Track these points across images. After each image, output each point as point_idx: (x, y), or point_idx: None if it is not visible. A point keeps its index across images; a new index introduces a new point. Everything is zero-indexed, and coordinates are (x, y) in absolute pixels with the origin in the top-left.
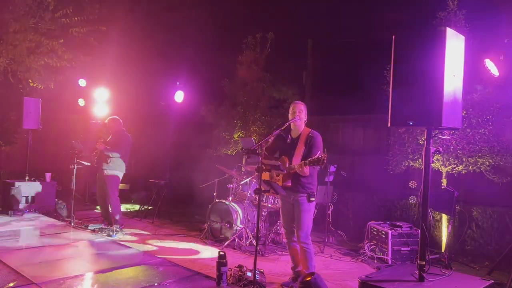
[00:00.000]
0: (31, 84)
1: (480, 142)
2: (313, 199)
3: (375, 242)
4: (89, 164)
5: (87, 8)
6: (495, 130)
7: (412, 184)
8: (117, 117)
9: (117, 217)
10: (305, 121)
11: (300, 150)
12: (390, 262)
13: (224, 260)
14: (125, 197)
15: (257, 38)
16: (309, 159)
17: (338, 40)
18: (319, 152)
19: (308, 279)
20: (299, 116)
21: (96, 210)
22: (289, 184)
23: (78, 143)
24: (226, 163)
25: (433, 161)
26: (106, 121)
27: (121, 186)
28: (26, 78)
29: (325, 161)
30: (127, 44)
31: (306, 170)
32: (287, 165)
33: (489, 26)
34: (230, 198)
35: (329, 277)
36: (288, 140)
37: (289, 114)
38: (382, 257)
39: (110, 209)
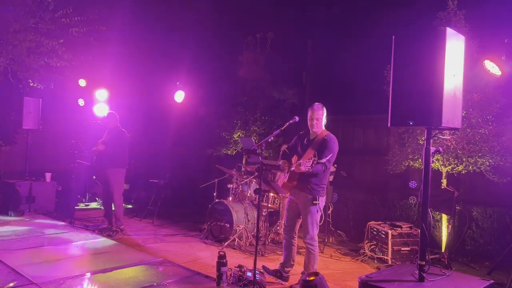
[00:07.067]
0: (31, 84)
1: (480, 142)
2: (317, 202)
3: (375, 242)
4: (89, 163)
5: (87, 8)
6: (495, 130)
7: (412, 184)
8: (115, 113)
9: (119, 217)
10: (323, 124)
11: (310, 152)
12: (390, 262)
13: (224, 260)
14: (125, 197)
15: (257, 38)
16: (301, 160)
17: (338, 40)
18: (330, 155)
19: (312, 278)
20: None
21: (91, 208)
22: (294, 183)
23: (78, 143)
24: (226, 163)
25: (433, 161)
26: (106, 115)
27: None
28: (26, 78)
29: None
30: (127, 44)
31: (304, 169)
32: (287, 167)
33: (489, 26)
34: (230, 198)
35: (329, 277)
36: (305, 142)
37: None
38: (382, 257)
39: (113, 208)
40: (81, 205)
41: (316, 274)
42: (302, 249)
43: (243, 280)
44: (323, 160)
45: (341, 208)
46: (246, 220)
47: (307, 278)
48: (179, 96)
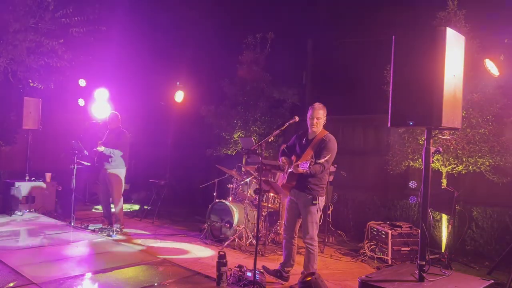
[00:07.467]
0: (31, 84)
1: (480, 142)
2: (316, 202)
3: (375, 242)
4: (89, 164)
5: (87, 8)
6: (495, 130)
7: (412, 184)
8: (117, 113)
9: (120, 217)
10: (323, 124)
11: (308, 152)
12: (390, 262)
13: (224, 260)
14: (125, 197)
15: (257, 38)
16: (298, 162)
17: (338, 40)
18: (329, 156)
19: (309, 279)
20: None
21: (94, 210)
22: (294, 183)
23: (78, 143)
24: (226, 163)
25: (433, 161)
26: (107, 115)
27: None
28: (26, 78)
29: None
30: (127, 44)
31: (302, 170)
32: (287, 164)
33: (489, 26)
34: (230, 198)
35: (329, 277)
36: (304, 142)
37: None
38: (382, 257)
39: (113, 208)
40: (82, 206)
41: (312, 274)
42: (302, 249)
43: (243, 280)
44: (322, 161)
45: (341, 208)
46: (246, 220)
47: (304, 279)
48: (179, 96)
